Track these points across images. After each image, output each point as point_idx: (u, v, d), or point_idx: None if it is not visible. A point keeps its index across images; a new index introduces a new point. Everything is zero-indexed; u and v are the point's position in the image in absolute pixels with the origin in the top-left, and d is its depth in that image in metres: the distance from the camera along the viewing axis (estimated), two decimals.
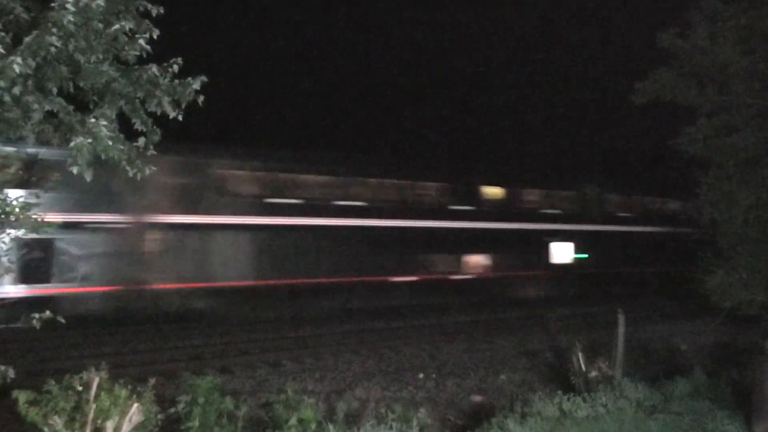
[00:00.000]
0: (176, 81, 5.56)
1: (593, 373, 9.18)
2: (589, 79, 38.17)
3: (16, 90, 4.65)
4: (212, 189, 14.73)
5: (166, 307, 13.99)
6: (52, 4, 4.71)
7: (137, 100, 5.53)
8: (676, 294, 20.70)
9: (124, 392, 5.67)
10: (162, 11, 5.51)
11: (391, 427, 7.00)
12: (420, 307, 17.33)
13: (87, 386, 5.55)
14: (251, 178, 15.69)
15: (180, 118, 5.64)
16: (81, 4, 4.71)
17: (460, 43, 43.03)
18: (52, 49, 4.69)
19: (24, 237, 5.69)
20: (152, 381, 6.27)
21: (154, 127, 5.69)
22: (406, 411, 7.51)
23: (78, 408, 5.48)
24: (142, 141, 5.63)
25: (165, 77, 5.51)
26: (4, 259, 5.75)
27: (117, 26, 5.05)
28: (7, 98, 4.66)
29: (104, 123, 5.03)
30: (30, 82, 4.85)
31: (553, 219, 20.46)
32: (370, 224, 16.57)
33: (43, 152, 11.02)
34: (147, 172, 5.66)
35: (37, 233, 5.61)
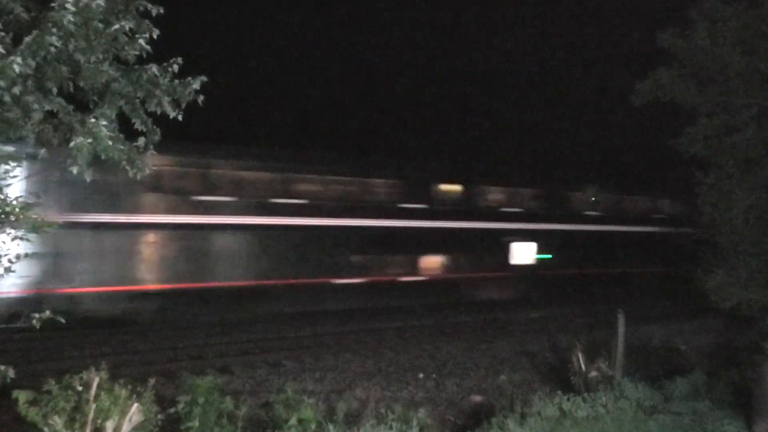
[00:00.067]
0: (176, 81, 5.56)
1: (593, 373, 9.19)
2: (565, 72, 37.83)
3: (16, 90, 4.65)
4: (131, 186, 12.53)
5: (80, 312, 12.70)
6: (52, 4, 4.71)
7: (137, 100, 5.54)
8: (650, 295, 20.64)
9: (124, 392, 5.67)
10: (162, 11, 5.51)
11: (391, 427, 7.00)
12: (420, 308, 17.28)
13: (87, 386, 5.56)
14: (175, 174, 14.23)
15: (180, 118, 5.65)
16: (81, 4, 4.71)
17: (448, 41, 42.85)
18: (52, 49, 4.70)
19: None
20: (152, 381, 6.27)
21: (154, 127, 5.69)
22: (406, 411, 7.51)
23: (78, 408, 5.48)
24: (142, 141, 5.64)
25: (165, 77, 5.52)
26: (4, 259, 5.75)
27: (117, 26, 5.05)
28: (7, 98, 4.66)
29: (104, 123, 5.04)
30: (30, 82, 4.85)
31: (514, 218, 19.53)
32: (310, 223, 15.59)
33: None
34: (147, 172, 5.68)
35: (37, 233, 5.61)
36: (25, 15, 4.98)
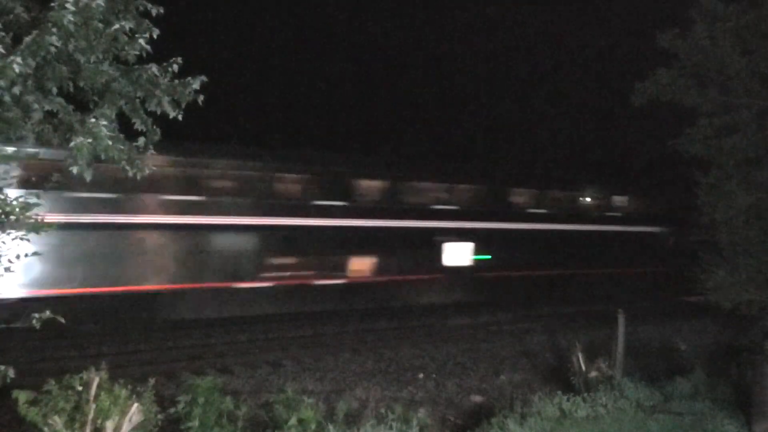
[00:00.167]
0: (176, 81, 5.57)
1: (593, 373, 9.20)
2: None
3: (16, 90, 4.65)
4: None
5: None
6: (52, 4, 4.71)
7: (137, 100, 5.54)
8: (601, 298, 19.30)
9: (124, 392, 5.68)
10: (162, 11, 5.51)
11: (391, 427, 7.01)
12: (420, 308, 17.23)
13: (87, 386, 5.56)
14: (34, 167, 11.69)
15: (180, 117, 5.65)
16: (81, 4, 4.71)
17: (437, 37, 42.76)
18: (52, 49, 4.69)
19: None
20: (152, 381, 6.28)
21: (154, 126, 5.70)
22: (406, 411, 7.52)
23: (78, 408, 5.49)
24: (142, 141, 5.64)
25: (165, 77, 5.52)
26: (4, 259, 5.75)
27: (117, 26, 5.05)
28: (7, 98, 4.66)
29: (104, 123, 5.04)
30: (30, 82, 4.85)
31: (447, 216, 17.94)
32: (207, 222, 14.14)
33: None
34: (147, 172, 5.68)
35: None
36: (25, 15, 4.98)
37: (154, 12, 5.45)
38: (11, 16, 4.94)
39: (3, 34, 4.66)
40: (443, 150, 30.97)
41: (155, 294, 13.52)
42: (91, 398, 5.50)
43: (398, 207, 17.15)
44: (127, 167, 5.48)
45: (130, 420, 5.60)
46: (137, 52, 5.30)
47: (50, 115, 5.22)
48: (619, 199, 22.24)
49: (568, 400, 8.31)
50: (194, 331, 13.76)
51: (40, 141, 5.42)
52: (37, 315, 5.61)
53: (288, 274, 15.48)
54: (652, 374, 9.98)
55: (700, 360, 11.10)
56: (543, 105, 35.36)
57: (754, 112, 9.58)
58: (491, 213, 18.79)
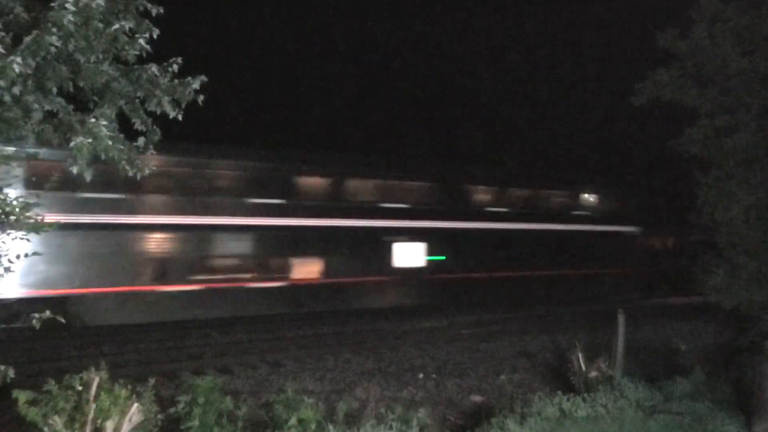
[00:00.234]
0: (176, 81, 5.57)
1: (593, 373, 9.20)
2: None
3: (16, 90, 4.65)
4: None
5: None
6: (52, 4, 4.71)
7: (137, 100, 5.55)
8: (561, 299, 19.09)
9: (124, 392, 5.67)
10: (162, 11, 5.51)
11: (391, 427, 7.01)
12: (420, 309, 17.20)
13: (87, 386, 5.56)
14: None
15: (180, 117, 5.65)
16: (81, 4, 4.72)
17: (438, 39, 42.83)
18: (52, 49, 4.70)
19: None
20: (152, 381, 6.28)
21: (154, 126, 5.70)
22: (406, 411, 7.52)
23: (78, 408, 5.49)
24: (142, 141, 5.64)
25: (165, 77, 5.52)
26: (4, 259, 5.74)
27: (117, 26, 5.05)
28: (7, 98, 4.67)
29: (104, 123, 5.04)
30: (30, 82, 4.86)
31: (397, 215, 17.00)
32: (127, 221, 13.15)
33: None
34: (146, 172, 5.69)
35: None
36: (25, 15, 4.98)
37: (154, 12, 5.45)
38: (11, 16, 4.94)
39: (3, 34, 4.67)
40: (443, 150, 31.00)
41: (63, 299, 12.46)
42: (91, 398, 5.49)
43: (343, 205, 16.43)
44: (127, 167, 5.48)
45: (130, 420, 5.60)
46: (137, 52, 5.31)
47: (50, 115, 5.22)
48: (585, 198, 21.44)
49: (568, 400, 8.31)
50: (194, 331, 13.77)
51: (40, 141, 5.42)
52: (37, 315, 5.61)
53: (220, 276, 14.59)
54: (652, 374, 9.98)
55: (700, 360, 11.09)
56: (543, 105, 35.41)
57: (754, 112, 9.58)
58: (446, 212, 17.91)
